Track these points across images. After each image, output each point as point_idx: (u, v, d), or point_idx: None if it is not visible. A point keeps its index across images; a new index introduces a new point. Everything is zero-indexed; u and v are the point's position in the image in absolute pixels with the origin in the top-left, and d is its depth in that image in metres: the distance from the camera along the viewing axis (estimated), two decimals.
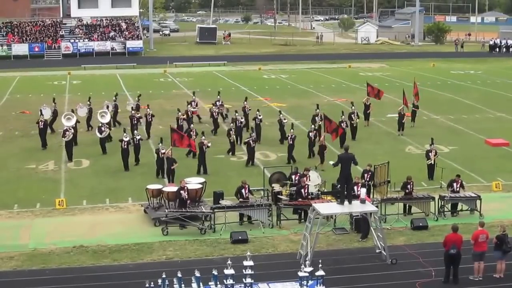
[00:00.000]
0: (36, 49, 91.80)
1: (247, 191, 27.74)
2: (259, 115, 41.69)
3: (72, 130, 38.61)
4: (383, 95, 47.35)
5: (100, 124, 39.44)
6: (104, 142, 38.88)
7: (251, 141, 36.04)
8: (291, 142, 36.62)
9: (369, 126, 44.89)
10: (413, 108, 45.21)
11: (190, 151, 36.44)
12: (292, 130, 37.15)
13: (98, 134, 38.86)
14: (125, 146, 35.40)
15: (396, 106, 47.20)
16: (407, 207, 28.61)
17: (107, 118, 41.06)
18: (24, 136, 43.54)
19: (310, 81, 68.17)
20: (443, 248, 21.92)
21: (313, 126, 38.30)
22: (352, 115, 41.33)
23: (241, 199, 27.59)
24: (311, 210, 23.59)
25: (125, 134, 35.72)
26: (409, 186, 28.50)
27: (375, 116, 46.50)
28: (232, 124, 39.04)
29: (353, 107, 42.14)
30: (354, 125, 41.25)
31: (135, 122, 41.15)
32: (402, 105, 44.21)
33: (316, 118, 40.62)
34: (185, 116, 42.27)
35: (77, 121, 41.32)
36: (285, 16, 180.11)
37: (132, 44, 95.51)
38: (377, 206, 25.66)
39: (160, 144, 34.49)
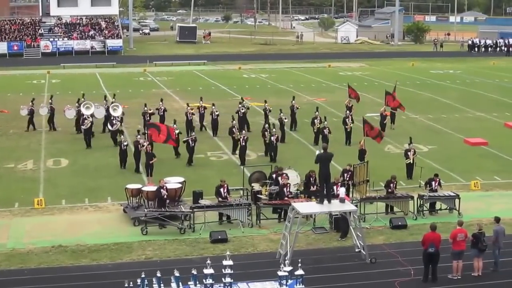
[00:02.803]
0: (15, 48, 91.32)
1: (225, 190, 27.70)
2: (242, 108, 41.93)
3: (91, 119, 40.19)
4: (359, 98, 47.00)
5: (112, 117, 40.16)
6: (115, 135, 39.28)
7: (190, 141, 35.80)
8: (243, 143, 36.12)
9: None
10: (392, 110, 45.01)
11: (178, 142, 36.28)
12: (244, 131, 36.87)
13: (109, 127, 39.74)
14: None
15: (375, 106, 47.40)
16: (389, 207, 28.65)
17: (118, 112, 41.52)
18: (2, 135, 43.24)
19: (290, 81, 68.21)
20: (422, 247, 22.01)
21: (274, 130, 37.29)
22: (347, 120, 40.41)
23: (220, 199, 27.57)
24: (291, 210, 23.62)
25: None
26: (391, 185, 28.58)
27: (353, 116, 46.36)
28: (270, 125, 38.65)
29: (347, 112, 41.49)
30: (348, 130, 40.22)
31: (148, 118, 41.08)
32: (383, 106, 44.18)
33: (315, 120, 40.19)
34: (193, 111, 42.55)
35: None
36: (265, 16, 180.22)
37: (112, 43, 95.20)
38: (356, 206, 25.71)
39: (138, 136, 35.32)
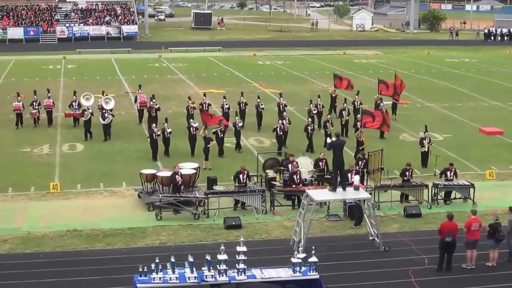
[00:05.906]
0: (32, 33, 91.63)
1: (245, 177, 27.71)
2: (261, 103, 41.34)
3: (91, 110, 39.58)
4: (353, 84, 45.98)
5: (104, 111, 39.53)
6: (107, 128, 38.86)
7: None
8: (281, 133, 35.91)
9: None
10: (394, 101, 44.37)
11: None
12: (282, 121, 36.34)
13: (101, 120, 38.89)
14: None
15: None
16: (404, 195, 28.61)
17: (111, 105, 40.97)
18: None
19: (305, 68, 68.11)
20: (438, 236, 21.93)
21: (310, 119, 36.76)
22: (343, 112, 38.99)
23: (238, 184, 27.60)
24: (305, 197, 23.63)
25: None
26: (407, 173, 28.53)
27: (371, 103, 45.53)
28: (327, 118, 37.84)
29: (344, 104, 39.92)
30: (343, 122, 38.83)
31: (154, 114, 40.53)
32: (376, 94, 43.35)
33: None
34: (194, 105, 41.67)
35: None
36: (281, 2, 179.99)
37: (127, 29, 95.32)
38: (370, 193, 25.72)
39: (166, 124, 35.21)
